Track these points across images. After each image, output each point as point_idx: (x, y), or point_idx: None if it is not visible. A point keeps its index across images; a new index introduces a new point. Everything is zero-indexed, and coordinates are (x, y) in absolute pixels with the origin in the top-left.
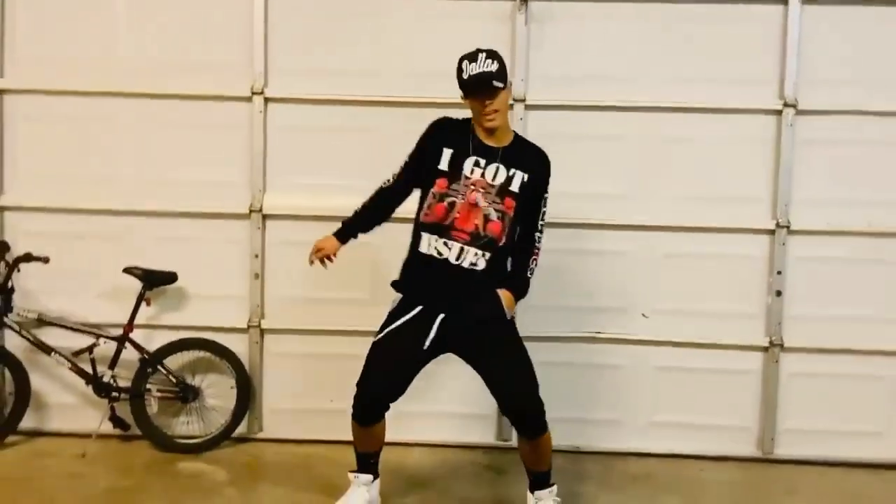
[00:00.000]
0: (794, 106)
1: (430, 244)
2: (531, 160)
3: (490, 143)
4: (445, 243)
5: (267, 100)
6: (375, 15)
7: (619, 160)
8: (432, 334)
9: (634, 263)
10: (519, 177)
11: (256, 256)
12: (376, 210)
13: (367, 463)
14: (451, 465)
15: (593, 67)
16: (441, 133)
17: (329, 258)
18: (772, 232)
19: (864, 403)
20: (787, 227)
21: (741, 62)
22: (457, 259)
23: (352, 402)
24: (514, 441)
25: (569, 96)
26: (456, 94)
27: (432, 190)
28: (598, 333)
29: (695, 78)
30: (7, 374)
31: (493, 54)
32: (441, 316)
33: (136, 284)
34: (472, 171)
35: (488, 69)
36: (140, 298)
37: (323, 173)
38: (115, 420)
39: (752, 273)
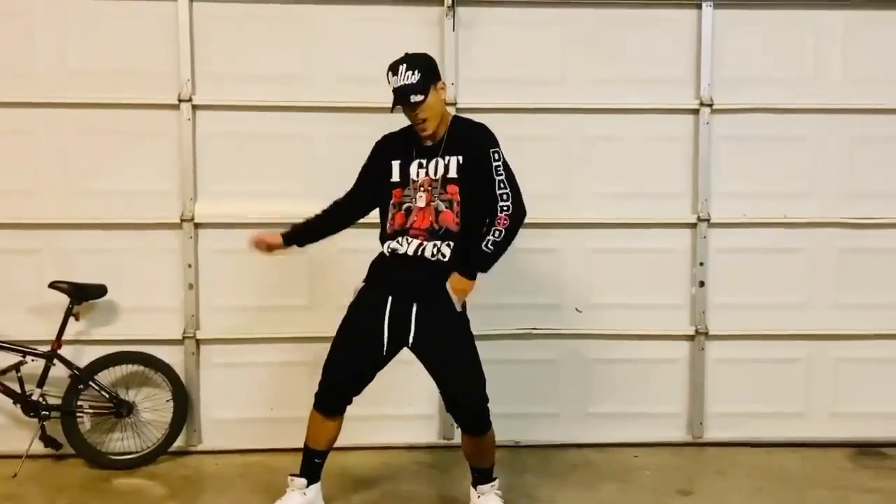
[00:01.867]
0: (709, 105)
1: (388, 246)
2: (464, 140)
3: (430, 142)
4: (404, 239)
5: (195, 107)
6: (305, 20)
7: (546, 160)
8: (412, 328)
9: (565, 260)
10: (454, 161)
11: (189, 266)
12: (328, 220)
13: (312, 464)
14: (395, 465)
15: (520, 71)
16: (384, 150)
17: (268, 248)
18: (693, 225)
19: (786, 386)
20: (708, 221)
21: (659, 64)
22: (415, 252)
23: (314, 393)
24: (457, 439)
25: (497, 99)
26: (387, 99)
27: (391, 201)
28: (533, 329)
29: (616, 80)
30: None
31: (414, 64)
32: (415, 307)
33: (63, 300)
34: (417, 174)
35: (408, 82)
36: (68, 313)
37: (254, 180)
38: (46, 439)
39: (677, 265)
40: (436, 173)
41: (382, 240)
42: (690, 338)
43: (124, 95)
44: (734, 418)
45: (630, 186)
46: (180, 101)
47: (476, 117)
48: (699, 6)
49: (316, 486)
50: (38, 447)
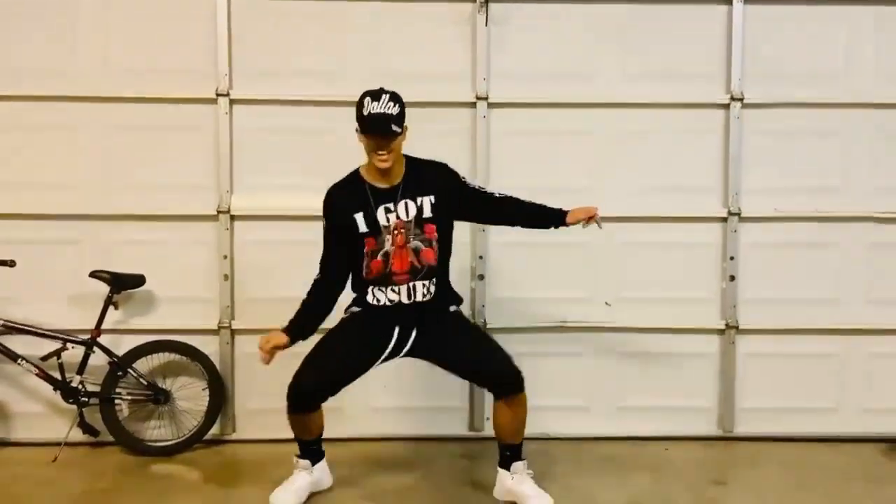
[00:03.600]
0: (740, 100)
1: (375, 296)
2: (430, 180)
3: (385, 185)
4: (392, 289)
5: (232, 101)
6: (340, 16)
7: (577, 155)
8: (410, 342)
9: (595, 254)
10: (427, 202)
11: (225, 257)
12: (318, 303)
13: (310, 449)
14: (426, 456)
15: (551, 66)
16: (339, 207)
17: (275, 349)
18: (724, 219)
19: (817, 380)
20: (738, 215)
21: (690, 59)
22: (409, 298)
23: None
24: (486, 431)
25: (529, 94)
26: (419, 94)
27: (365, 251)
28: (563, 323)
29: (647, 75)
30: None
31: (395, 97)
32: (413, 332)
33: (102, 289)
34: (387, 220)
35: (389, 111)
36: (108, 302)
37: (289, 173)
38: (85, 426)
39: (707, 259)
40: (408, 215)
41: (359, 288)
42: (721, 332)
43: (163, 90)
44: (765, 413)
45: (661, 181)
46: (218, 95)
47: (508, 112)
48: (730, 2)
49: (321, 464)
50: (77, 434)
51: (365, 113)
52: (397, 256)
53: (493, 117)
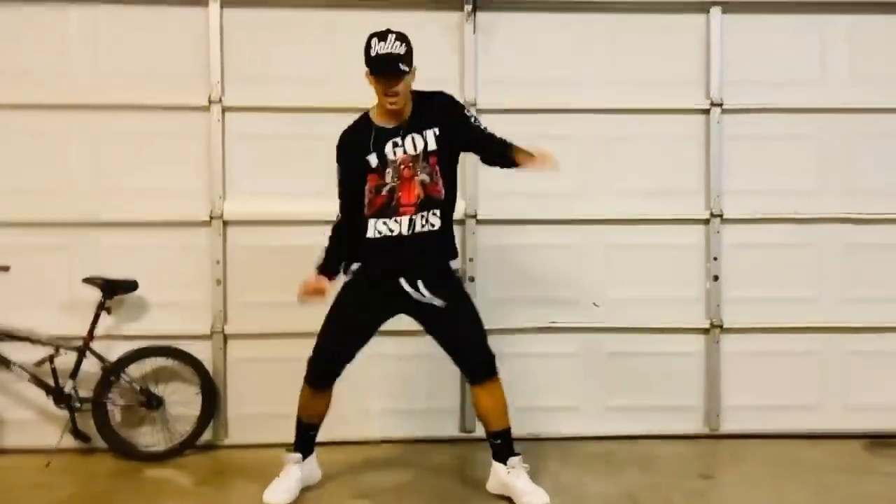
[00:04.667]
0: (719, 105)
1: (375, 228)
2: (431, 111)
3: (393, 123)
4: (395, 220)
5: (224, 108)
6: (329, 25)
7: (563, 159)
8: (410, 291)
9: (583, 255)
10: (430, 134)
11: (218, 262)
12: (342, 244)
13: (307, 436)
14: (419, 457)
15: (537, 73)
16: (352, 148)
17: (319, 292)
18: (706, 221)
19: (800, 378)
20: (721, 217)
21: (671, 66)
22: (409, 230)
23: (307, 365)
24: (478, 433)
25: (515, 101)
26: None
27: (366, 187)
28: (552, 324)
29: (629, 81)
30: None
31: (402, 37)
32: (402, 280)
33: (93, 295)
34: (395, 154)
35: (396, 51)
36: (100, 308)
37: (281, 179)
38: (77, 433)
39: (691, 260)
40: (415, 149)
41: (362, 221)
42: (706, 331)
43: (156, 97)
44: (750, 410)
45: (645, 184)
46: (210, 102)
47: (495, 118)
48: (708, 11)
49: (312, 457)
50: (69, 441)
51: (373, 54)
52: (405, 189)
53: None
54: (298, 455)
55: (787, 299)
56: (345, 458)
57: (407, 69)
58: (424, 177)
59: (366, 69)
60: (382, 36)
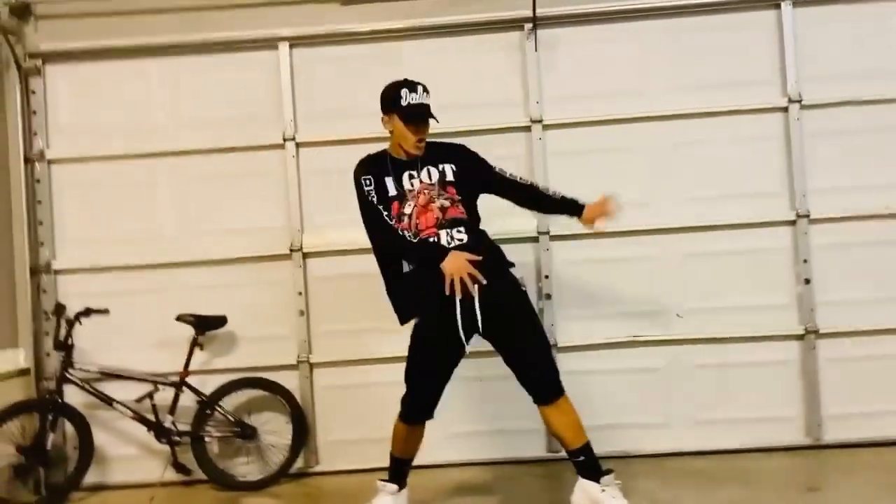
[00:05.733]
0: (798, 101)
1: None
2: (449, 154)
3: (409, 158)
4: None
5: (298, 144)
6: (394, 56)
7: (633, 169)
8: (479, 314)
9: (661, 266)
10: (448, 168)
11: (300, 294)
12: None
13: (401, 472)
14: (507, 478)
15: (602, 85)
16: (372, 171)
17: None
18: (793, 223)
19: None
20: (808, 217)
21: (742, 66)
22: (447, 243)
23: (401, 401)
24: (563, 452)
25: (581, 113)
26: (477, 123)
27: (392, 214)
28: (635, 337)
29: (699, 85)
30: (70, 428)
31: (426, 88)
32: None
33: (185, 333)
34: (412, 184)
35: (426, 101)
36: (193, 344)
37: (355, 209)
38: (178, 466)
39: (779, 264)
40: (430, 178)
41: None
42: (800, 337)
43: (234, 140)
44: (853, 418)
45: (723, 189)
46: (285, 140)
47: (563, 132)
48: (778, 6)
49: (404, 492)
50: (170, 474)
51: (404, 104)
52: (423, 216)
53: (548, 139)
54: (395, 486)
55: (883, 300)
56: (431, 482)
57: (434, 119)
58: (443, 202)
59: (386, 114)
60: (412, 87)
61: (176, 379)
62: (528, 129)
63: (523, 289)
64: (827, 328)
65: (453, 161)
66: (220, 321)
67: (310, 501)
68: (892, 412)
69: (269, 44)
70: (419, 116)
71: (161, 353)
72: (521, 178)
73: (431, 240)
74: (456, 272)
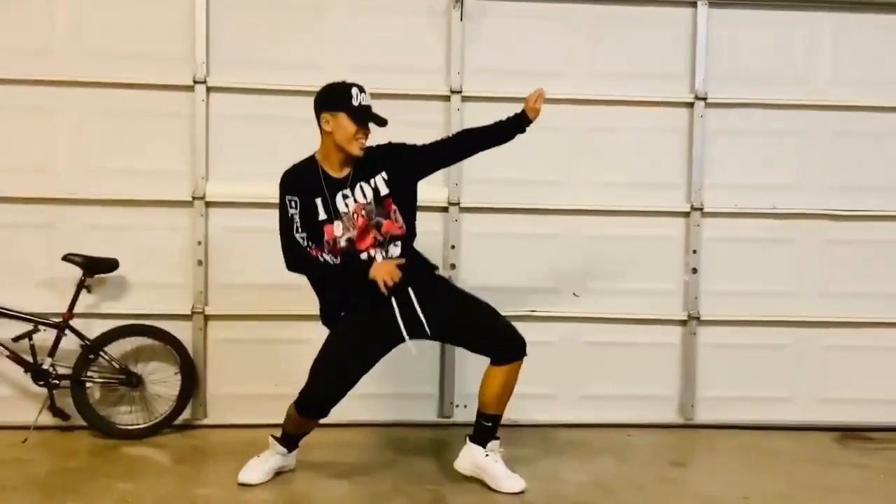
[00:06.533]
0: (703, 99)
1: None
2: (376, 160)
3: (341, 174)
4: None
5: (209, 89)
6: (317, 8)
7: (547, 149)
8: (422, 316)
9: (564, 246)
10: (380, 179)
11: (200, 243)
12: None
13: (293, 442)
14: (397, 441)
15: (522, 62)
16: (298, 188)
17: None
18: (687, 214)
19: (774, 370)
20: (701, 210)
21: (656, 59)
22: (370, 258)
23: (300, 392)
24: (455, 417)
25: (500, 88)
26: (397, 87)
27: (325, 239)
28: (532, 312)
29: (614, 73)
30: None
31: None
32: (411, 291)
33: (75, 273)
34: (346, 206)
35: (371, 103)
36: (80, 286)
37: (265, 162)
38: (55, 410)
39: (671, 253)
40: (365, 196)
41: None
42: (683, 323)
43: (140, 76)
44: (724, 401)
45: (627, 176)
46: (195, 82)
47: (480, 106)
48: (694, 4)
49: (293, 452)
50: (47, 418)
51: (356, 104)
52: (361, 239)
53: (466, 110)
54: (284, 450)
55: (763, 293)
56: (324, 440)
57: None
58: (379, 219)
59: (328, 112)
60: (362, 88)
61: (59, 320)
62: (447, 98)
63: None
64: (708, 316)
65: (383, 168)
66: (110, 264)
67: (194, 452)
68: (761, 398)
69: None
70: (367, 117)
71: (45, 292)
72: (447, 137)
73: (363, 255)
74: (385, 276)
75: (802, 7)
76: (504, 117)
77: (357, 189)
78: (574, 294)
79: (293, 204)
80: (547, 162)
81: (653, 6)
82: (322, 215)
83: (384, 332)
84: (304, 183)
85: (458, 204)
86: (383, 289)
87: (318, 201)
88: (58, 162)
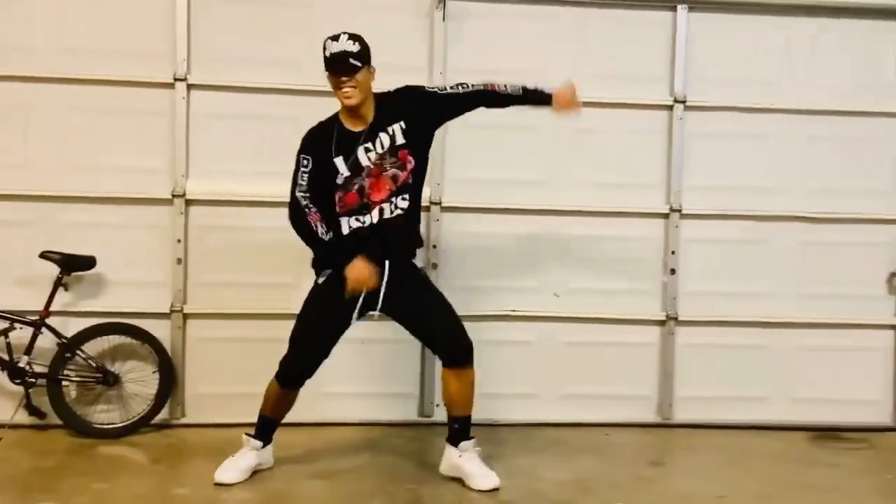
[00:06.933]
0: (682, 102)
1: (349, 225)
2: (394, 108)
3: (360, 128)
4: (365, 215)
5: (190, 86)
6: (301, 7)
7: (528, 150)
8: (381, 293)
9: (545, 245)
10: (398, 129)
11: (179, 241)
12: (330, 232)
13: (268, 429)
14: (377, 440)
15: (506, 63)
16: (319, 149)
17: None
18: (666, 216)
19: (752, 371)
20: (679, 212)
21: (638, 62)
22: (379, 218)
23: (279, 362)
24: (435, 417)
25: None
26: (378, 86)
27: (338, 182)
28: (512, 312)
29: (595, 75)
30: None
31: (355, 37)
32: (386, 269)
33: (52, 271)
34: (368, 159)
35: (348, 49)
36: (57, 283)
37: (246, 160)
38: (31, 408)
39: (650, 253)
40: (383, 147)
41: (335, 218)
42: (661, 323)
43: (120, 73)
44: (701, 401)
45: (608, 177)
46: (175, 80)
47: None
48: (674, 8)
49: (269, 447)
50: (23, 417)
51: (327, 54)
52: (375, 188)
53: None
54: (259, 443)
55: (740, 294)
56: (303, 439)
57: (359, 64)
58: (395, 171)
59: (326, 70)
60: (335, 37)
61: (35, 318)
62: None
63: (423, 271)
64: (686, 316)
65: (401, 116)
66: (88, 262)
67: (171, 452)
68: (738, 398)
69: None
70: (335, 64)
71: (22, 289)
72: (472, 87)
73: (375, 211)
74: (356, 284)
75: (780, 12)
76: (531, 86)
77: (377, 141)
78: (555, 294)
79: (305, 162)
80: (528, 162)
81: (633, 10)
82: (344, 171)
83: (348, 304)
84: (321, 142)
85: (440, 203)
86: (350, 290)
87: (339, 161)
88: (36, 158)
